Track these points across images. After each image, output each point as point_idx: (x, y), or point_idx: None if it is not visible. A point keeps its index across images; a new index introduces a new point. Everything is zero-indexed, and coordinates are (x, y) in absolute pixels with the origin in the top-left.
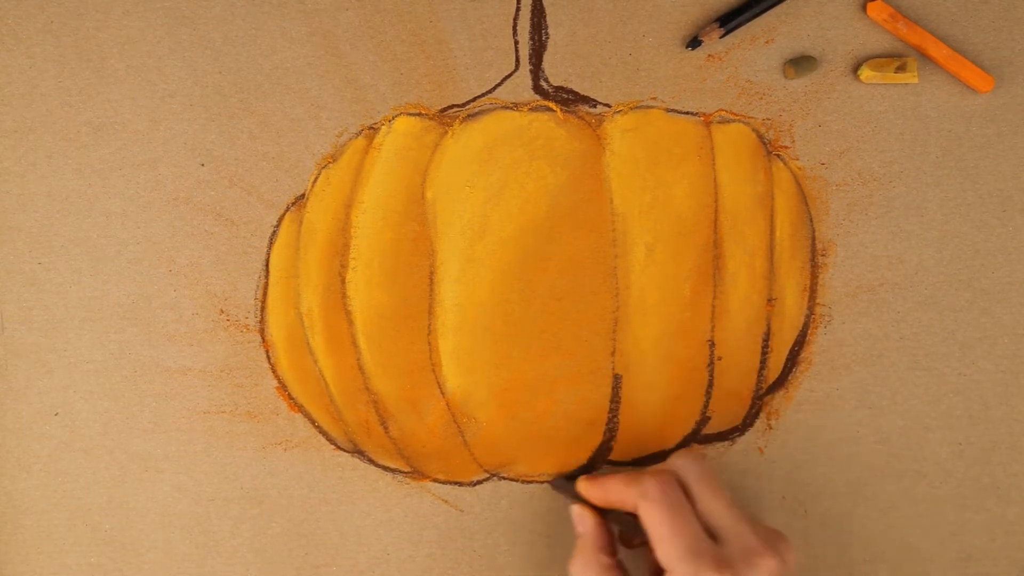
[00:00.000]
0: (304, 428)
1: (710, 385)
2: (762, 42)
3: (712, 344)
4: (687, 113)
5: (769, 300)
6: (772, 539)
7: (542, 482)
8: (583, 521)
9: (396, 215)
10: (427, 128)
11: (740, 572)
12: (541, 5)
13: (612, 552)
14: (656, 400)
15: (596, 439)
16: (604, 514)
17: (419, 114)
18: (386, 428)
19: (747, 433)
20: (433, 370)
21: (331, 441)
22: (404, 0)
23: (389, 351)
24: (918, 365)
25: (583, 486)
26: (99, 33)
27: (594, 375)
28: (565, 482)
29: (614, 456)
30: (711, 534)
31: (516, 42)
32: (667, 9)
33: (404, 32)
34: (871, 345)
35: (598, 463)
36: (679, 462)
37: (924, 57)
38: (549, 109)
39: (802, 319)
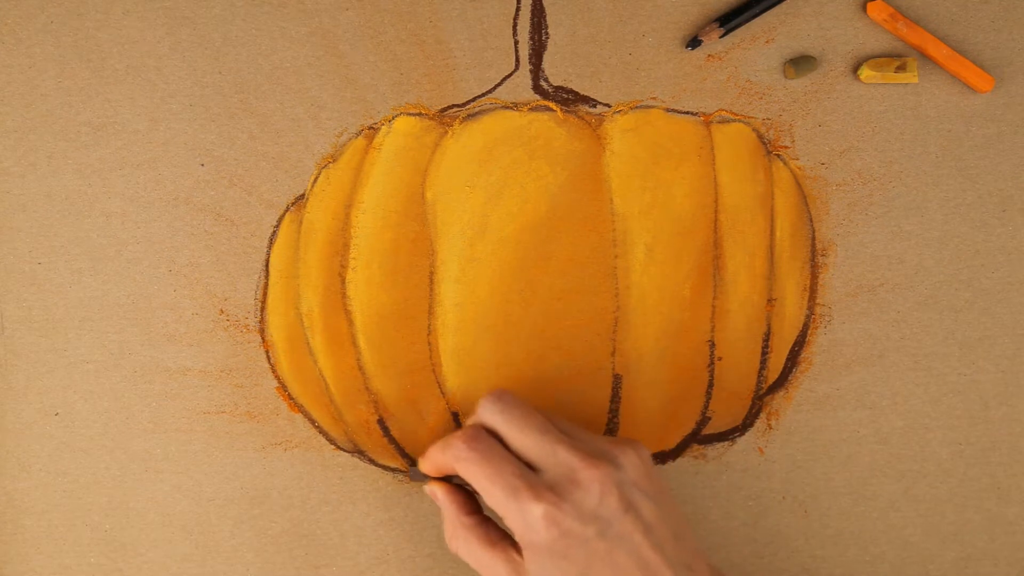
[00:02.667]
0: (304, 428)
1: (710, 385)
2: (762, 42)
3: (712, 344)
4: (687, 113)
5: (769, 300)
6: (600, 449)
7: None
8: (435, 495)
9: (396, 215)
10: (427, 128)
11: (563, 492)
12: (541, 5)
13: (472, 510)
14: (656, 400)
15: None
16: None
17: (419, 114)
18: (386, 428)
19: (747, 433)
20: (433, 370)
21: (331, 441)
22: (404, 0)
23: (389, 351)
24: (918, 365)
25: (421, 463)
26: (99, 33)
27: (594, 375)
28: (416, 469)
29: None
30: (533, 467)
31: (516, 42)
32: (667, 9)
33: (404, 32)
34: (871, 345)
35: None
36: (480, 410)
37: (924, 57)
38: (549, 109)
39: (802, 319)
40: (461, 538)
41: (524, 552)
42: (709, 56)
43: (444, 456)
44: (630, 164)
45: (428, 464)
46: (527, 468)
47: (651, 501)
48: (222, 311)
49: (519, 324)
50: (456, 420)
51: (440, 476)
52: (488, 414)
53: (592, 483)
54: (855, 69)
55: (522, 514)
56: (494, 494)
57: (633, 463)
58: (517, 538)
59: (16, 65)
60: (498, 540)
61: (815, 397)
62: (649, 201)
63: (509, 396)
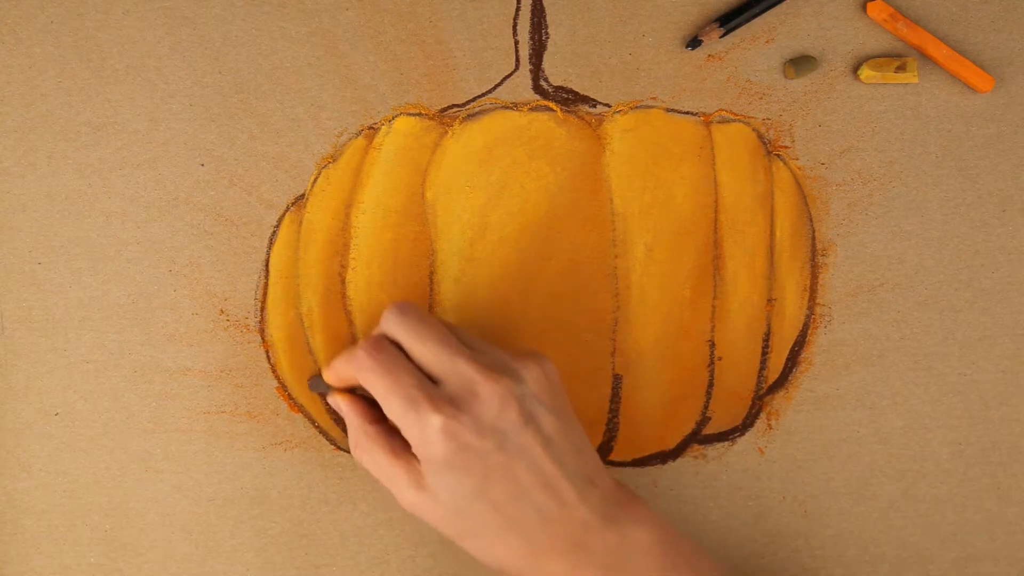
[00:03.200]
0: (304, 428)
1: (710, 385)
2: (762, 42)
3: (712, 344)
4: (687, 113)
5: (769, 300)
6: (502, 362)
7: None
8: (337, 404)
9: (396, 215)
10: (427, 128)
11: (462, 405)
12: (541, 5)
13: (376, 419)
14: (656, 400)
15: (596, 439)
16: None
17: (419, 114)
18: None
19: (747, 433)
20: None
21: (331, 441)
22: (404, 0)
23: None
24: (918, 365)
25: (325, 373)
26: (99, 33)
27: (594, 375)
28: (319, 379)
29: (614, 456)
30: (434, 379)
31: (516, 42)
32: (667, 9)
33: (404, 32)
34: (871, 345)
35: None
36: (383, 321)
37: (924, 57)
38: (549, 109)
39: (802, 319)
40: (364, 448)
41: (422, 464)
42: (709, 56)
43: (347, 366)
44: (630, 164)
45: (332, 374)
46: (427, 380)
47: (552, 415)
48: (222, 311)
49: (519, 324)
50: None
51: (345, 388)
52: (390, 325)
53: (492, 396)
54: (855, 69)
55: (420, 426)
56: (393, 405)
57: (535, 376)
58: (415, 450)
59: (16, 65)
60: (401, 451)
61: (815, 397)
62: (649, 201)
63: (411, 307)
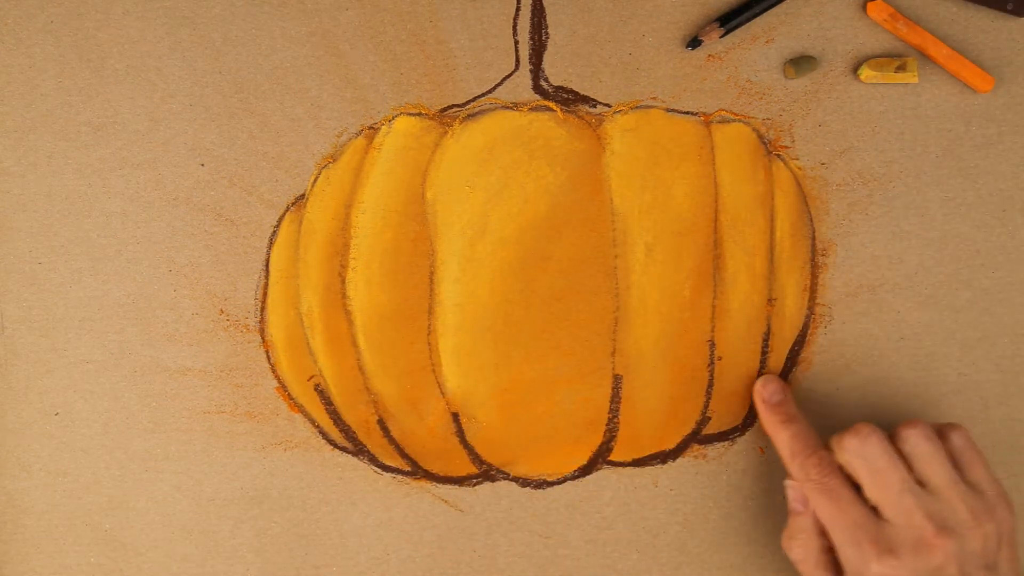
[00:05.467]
0: (304, 428)
1: (710, 385)
2: (762, 42)
3: (712, 344)
4: (687, 113)
5: (769, 300)
6: (953, 516)
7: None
8: (794, 493)
9: (396, 215)
10: (427, 128)
11: (903, 553)
12: (541, 5)
13: (822, 531)
14: (656, 400)
15: (596, 439)
16: None
17: (419, 114)
18: (386, 428)
19: (747, 433)
20: (433, 370)
21: (331, 441)
22: (404, 0)
23: (389, 351)
24: (918, 365)
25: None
26: (99, 33)
27: (594, 375)
28: None
29: (614, 456)
30: (879, 513)
31: (516, 42)
32: (667, 9)
33: (404, 32)
34: (871, 345)
35: (598, 463)
36: (842, 449)
37: (924, 57)
38: (549, 109)
39: (802, 319)
40: (800, 545)
41: None
42: (709, 56)
43: (794, 465)
44: (630, 164)
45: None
46: (872, 516)
47: (988, 573)
48: (222, 311)
49: (519, 324)
50: (456, 420)
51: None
52: (851, 457)
53: (935, 553)
54: (855, 69)
55: (859, 564)
56: (835, 533)
57: (984, 534)
58: (847, 574)
59: (16, 65)
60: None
61: (815, 397)
62: (649, 201)
63: (874, 443)
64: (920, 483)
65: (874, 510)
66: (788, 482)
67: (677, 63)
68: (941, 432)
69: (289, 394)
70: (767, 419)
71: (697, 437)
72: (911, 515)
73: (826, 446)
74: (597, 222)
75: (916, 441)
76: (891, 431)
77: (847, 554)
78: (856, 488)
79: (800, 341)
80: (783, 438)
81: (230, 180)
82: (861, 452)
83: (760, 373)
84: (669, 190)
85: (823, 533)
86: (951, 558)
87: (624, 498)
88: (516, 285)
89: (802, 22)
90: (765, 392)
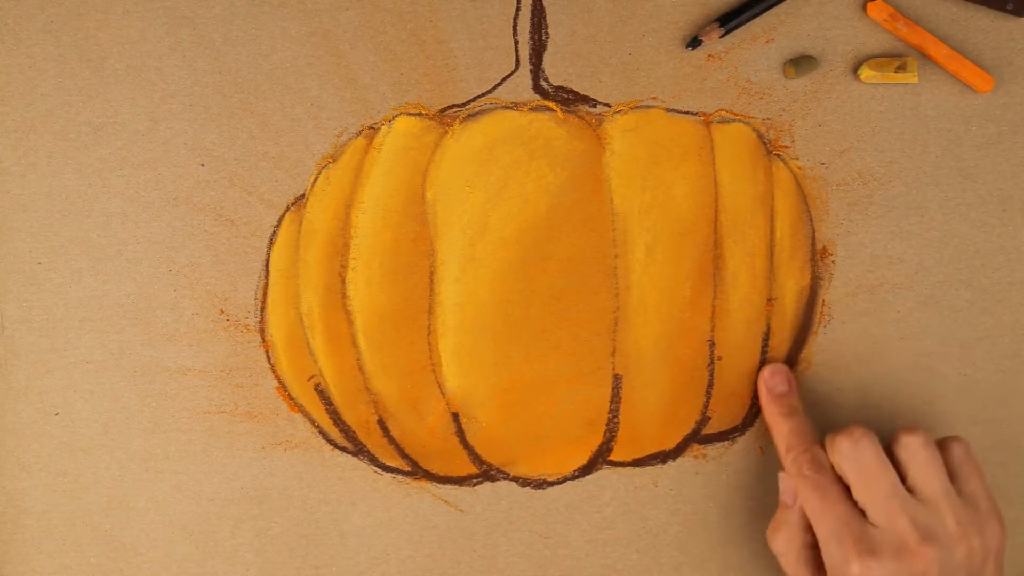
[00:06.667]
0: (304, 428)
1: (710, 385)
2: (762, 42)
3: (712, 344)
4: (687, 113)
5: (769, 300)
6: (937, 525)
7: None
8: (786, 488)
9: (396, 215)
10: (427, 128)
11: (884, 556)
12: (541, 5)
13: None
14: (656, 400)
15: (596, 439)
16: None
17: (419, 114)
18: (386, 428)
19: (747, 433)
20: (433, 370)
21: (331, 441)
22: (404, 0)
23: (389, 351)
24: (918, 365)
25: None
26: (99, 33)
27: (594, 375)
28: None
29: (614, 456)
30: (865, 514)
31: (516, 42)
32: (667, 9)
33: (404, 32)
34: (871, 345)
35: (598, 463)
36: (834, 450)
37: (924, 57)
38: (549, 109)
39: (802, 319)
40: (784, 538)
41: None
42: (709, 56)
43: (788, 459)
44: (630, 164)
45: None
46: (858, 516)
47: None
48: (222, 311)
49: (519, 324)
50: (456, 420)
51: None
52: (841, 459)
53: (917, 560)
54: (855, 69)
55: (840, 562)
56: (820, 528)
57: (968, 549)
58: (828, 572)
59: (16, 65)
60: (818, 568)
61: (815, 397)
62: (649, 201)
63: (866, 445)
64: (912, 491)
65: (862, 514)
66: (781, 474)
67: (677, 63)
68: (943, 444)
69: (289, 394)
70: (768, 409)
71: (697, 437)
72: (896, 520)
73: (822, 444)
74: (597, 222)
75: (915, 448)
76: (891, 435)
77: (830, 550)
78: (847, 490)
79: (800, 341)
80: (781, 430)
81: (230, 180)
82: (852, 454)
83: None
84: (669, 190)
85: (809, 529)
86: (932, 567)
87: (624, 498)
88: (516, 285)
89: (802, 22)
90: (771, 381)
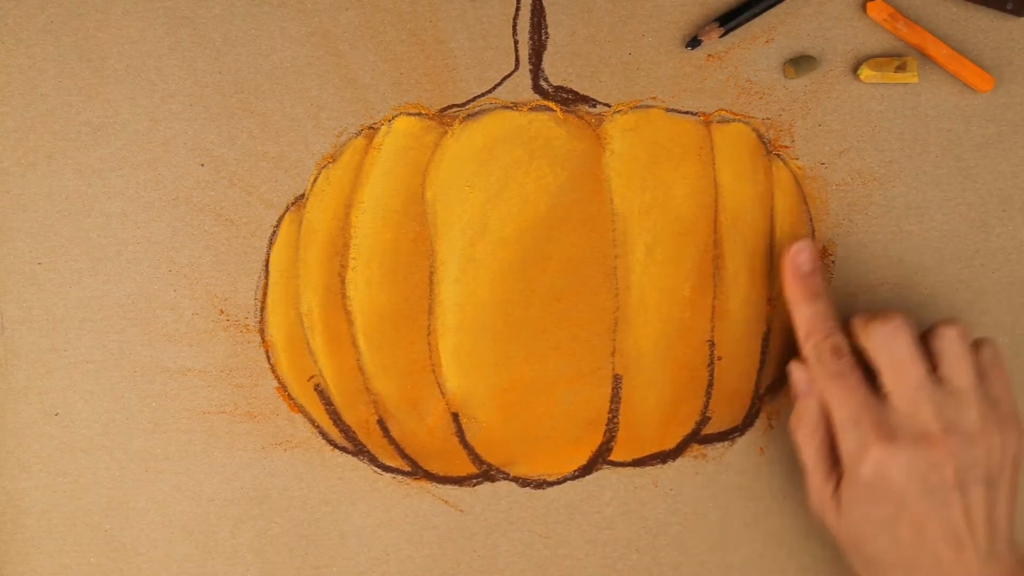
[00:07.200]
0: (304, 428)
1: (710, 385)
2: (762, 42)
3: (712, 344)
4: (687, 113)
5: (769, 300)
6: (963, 420)
7: (541, 484)
8: (797, 378)
9: (396, 215)
10: (427, 128)
11: (903, 442)
12: (541, 5)
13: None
14: (656, 400)
15: (596, 439)
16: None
17: (419, 114)
18: (386, 428)
19: (747, 433)
20: (433, 370)
21: (330, 441)
22: (404, 0)
23: (389, 351)
24: None
25: (797, 322)
26: (99, 33)
27: (594, 375)
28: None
29: (614, 456)
30: (889, 401)
31: (516, 42)
32: (667, 9)
33: (404, 32)
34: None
35: (598, 463)
36: (870, 334)
37: (924, 57)
38: (549, 109)
39: None
40: (804, 426)
41: (845, 471)
42: (709, 56)
43: (808, 345)
44: (630, 164)
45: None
46: (879, 401)
47: (983, 486)
48: (222, 311)
49: (519, 324)
50: (456, 420)
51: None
52: (874, 343)
53: (935, 451)
54: (855, 69)
55: (857, 444)
56: (838, 414)
57: (991, 447)
58: (843, 457)
59: (16, 65)
60: (830, 451)
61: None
62: (649, 201)
63: (902, 335)
64: (940, 381)
65: (885, 401)
66: (794, 363)
67: (677, 63)
68: (975, 343)
69: (289, 394)
70: (791, 289)
71: (697, 437)
72: (921, 408)
73: (846, 326)
74: (597, 222)
75: (950, 340)
76: (928, 327)
77: (847, 436)
78: (867, 377)
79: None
80: (803, 314)
81: (230, 180)
82: (887, 340)
83: (760, 373)
84: (669, 190)
85: (827, 420)
86: (950, 458)
87: (624, 498)
88: (516, 285)
89: (802, 22)
90: (798, 259)
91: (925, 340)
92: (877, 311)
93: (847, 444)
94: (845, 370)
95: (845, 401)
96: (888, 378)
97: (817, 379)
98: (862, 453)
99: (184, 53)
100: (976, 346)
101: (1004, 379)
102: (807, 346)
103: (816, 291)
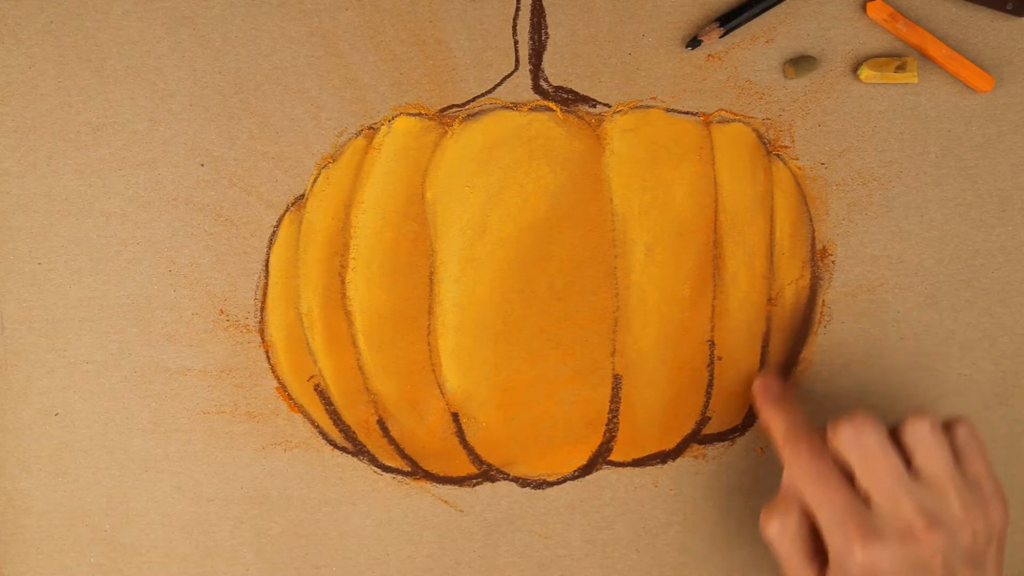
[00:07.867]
0: (304, 428)
1: (710, 385)
2: (762, 42)
3: (712, 344)
4: (687, 113)
5: (769, 300)
6: (942, 509)
7: (540, 484)
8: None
9: (396, 215)
10: (427, 128)
11: (888, 540)
12: (541, 5)
13: (816, 552)
14: (656, 400)
15: (596, 439)
16: None
17: (419, 114)
18: (386, 428)
19: (747, 433)
20: (433, 370)
21: (330, 441)
22: (404, 0)
23: (389, 351)
24: (918, 365)
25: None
26: (99, 33)
27: (594, 375)
28: None
29: (614, 456)
30: (868, 501)
31: (516, 42)
32: (667, 9)
33: (404, 32)
34: (871, 345)
35: (598, 463)
36: (837, 436)
37: (924, 57)
38: (549, 109)
39: (801, 319)
40: (781, 526)
41: (831, 571)
42: (709, 56)
43: (787, 450)
44: (630, 164)
45: (771, 424)
46: (860, 501)
47: (972, 569)
48: (222, 311)
49: (519, 324)
50: (456, 420)
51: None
52: (844, 445)
53: (923, 545)
54: (855, 69)
55: (842, 549)
56: (821, 515)
57: (974, 531)
58: (831, 557)
59: (16, 65)
60: (815, 555)
61: (815, 397)
62: (649, 201)
63: (869, 431)
64: (917, 474)
65: (865, 501)
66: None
67: (677, 63)
68: (947, 425)
69: (289, 394)
70: (765, 411)
71: (697, 437)
72: (901, 505)
73: (822, 434)
74: (597, 222)
75: (921, 433)
76: (897, 422)
77: (833, 538)
78: (847, 477)
79: (800, 341)
80: (778, 426)
81: (230, 180)
82: (855, 439)
83: (760, 373)
84: (669, 190)
85: (805, 516)
86: (937, 552)
87: (624, 498)
88: (516, 285)
89: (802, 22)
90: (767, 382)
91: (896, 434)
92: (842, 414)
93: (834, 546)
94: (824, 469)
95: (826, 502)
96: (863, 477)
97: (798, 481)
98: (849, 556)
99: (184, 53)
100: (949, 428)
101: (982, 456)
102: (785, 450)
103: (789, 406)
